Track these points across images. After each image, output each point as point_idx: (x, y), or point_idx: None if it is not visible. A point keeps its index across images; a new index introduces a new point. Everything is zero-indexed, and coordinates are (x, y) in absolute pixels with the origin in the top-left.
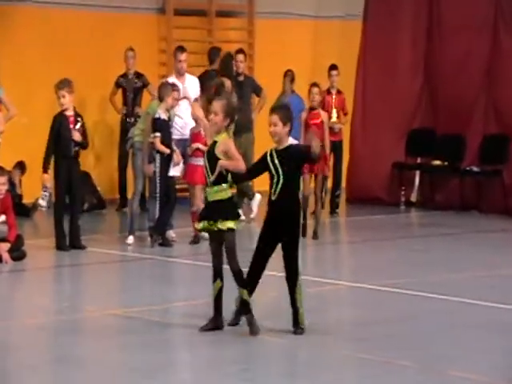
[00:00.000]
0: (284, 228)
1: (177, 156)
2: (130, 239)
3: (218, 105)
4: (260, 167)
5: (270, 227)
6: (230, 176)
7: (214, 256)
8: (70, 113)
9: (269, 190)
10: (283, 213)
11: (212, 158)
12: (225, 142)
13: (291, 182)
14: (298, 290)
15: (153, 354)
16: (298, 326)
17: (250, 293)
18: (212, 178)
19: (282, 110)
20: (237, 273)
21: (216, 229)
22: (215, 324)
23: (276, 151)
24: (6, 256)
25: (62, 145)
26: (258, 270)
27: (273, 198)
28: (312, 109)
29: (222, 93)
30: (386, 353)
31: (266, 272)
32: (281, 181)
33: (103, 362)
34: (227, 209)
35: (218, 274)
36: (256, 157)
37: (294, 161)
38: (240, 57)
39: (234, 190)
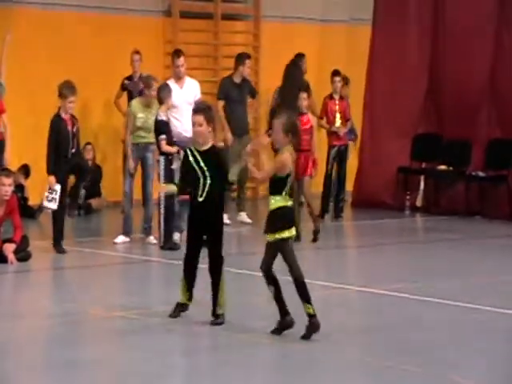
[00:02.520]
0: (210, 227)
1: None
2: (120, 238)
3: (276, 124)
4: (188, 171)
5: (196, 227)
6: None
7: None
8: (64, 115)
9: (193, 191)
10: (210, 213)
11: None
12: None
13: (218, 182)
14: (222, 281)
15: (156, 358)
16: (217, 315)
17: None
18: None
19: (206, 110)
20: (299, 284)
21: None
22: (282, 325)
23: (199, 152)
24: (11, 257)
25: (60, 148)
26: (193, 270)
27: (200, 199)
28: (300, 114)
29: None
30: (390, 357)
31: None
32: (208, 182)
33: (107, 365)
34: (275, 220)
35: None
36: None
37: (217, 161)
38: (248, 62)
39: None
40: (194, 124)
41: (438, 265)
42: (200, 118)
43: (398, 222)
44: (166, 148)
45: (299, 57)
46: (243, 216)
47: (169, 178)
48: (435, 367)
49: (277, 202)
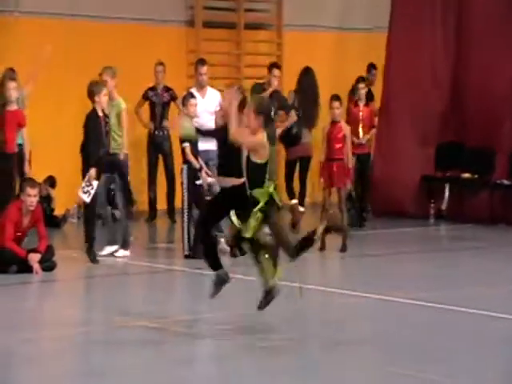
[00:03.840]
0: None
1: (204, 175)
2: (120, 252)
3: (247, 108)
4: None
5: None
6: None
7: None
8: (100, 113)
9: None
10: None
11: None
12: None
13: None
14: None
15: (181, 366)
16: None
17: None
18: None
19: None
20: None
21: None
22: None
23: None
24: (36, 266)
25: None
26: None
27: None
28: (334, 122)
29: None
30: (412, 366)
31: (289, 284)
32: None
33: (132, 374)
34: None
35: None
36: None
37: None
38: (276, 71)
39: None
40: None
41: (461, 273)
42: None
43: (422, 230)
44: (190, 157)
45: (309, 70)
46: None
47: (192, 190)
48: (457, 376)
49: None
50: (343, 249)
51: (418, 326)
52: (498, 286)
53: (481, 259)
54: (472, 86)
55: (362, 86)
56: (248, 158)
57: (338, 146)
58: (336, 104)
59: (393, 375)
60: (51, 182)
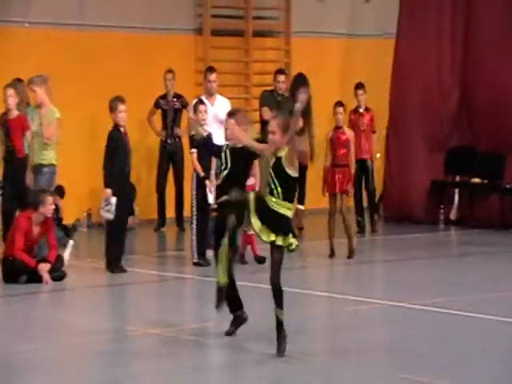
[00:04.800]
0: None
1: (210, 183)
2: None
3: (274, 123)
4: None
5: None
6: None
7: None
8: (122, 129)
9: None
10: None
11: (280, 173)
12: (287, 153)
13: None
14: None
15: (193, 375)
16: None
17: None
18: (279, 192)
19: (238, 113)
20: (277, 291)
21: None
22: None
23: (229, 148)
24: (46, 276)
25: (118, 160)
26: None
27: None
28: (337, 127)
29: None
30: (425, 372)
31: (301, 291)
32: (225, 171)
33: (145, 382)
34: (283, 224)
35: None
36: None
37: (240, 156)
38: (281, 77)
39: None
40: (225, 128)
41: (472, 278)
42: (231, 122)
43: (432, 235)
44: (195, 164)
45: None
46: None
47: (200, 196)
48: (470, 382)
49: (287, 208)
50: (350, 255)
51: (429, 331)
52: (509, 292)
53: (492, 264)
54: (481, 91)
55: (360, 92)
56: (281, 170)
57: (342, 151)
58: (340, 110)
59: (406, 382)
60: (60, 191)
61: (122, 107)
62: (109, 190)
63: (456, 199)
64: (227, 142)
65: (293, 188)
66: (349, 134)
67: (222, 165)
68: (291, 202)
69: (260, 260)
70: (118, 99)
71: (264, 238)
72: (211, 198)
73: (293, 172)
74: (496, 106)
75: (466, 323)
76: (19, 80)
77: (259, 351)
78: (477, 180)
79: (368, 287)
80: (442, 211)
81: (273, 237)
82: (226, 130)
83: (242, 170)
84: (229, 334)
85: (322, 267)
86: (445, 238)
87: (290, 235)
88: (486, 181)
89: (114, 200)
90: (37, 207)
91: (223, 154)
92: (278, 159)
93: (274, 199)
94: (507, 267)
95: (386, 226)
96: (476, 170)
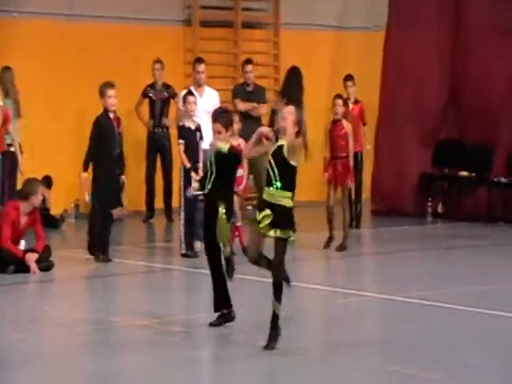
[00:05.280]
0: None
1: (194, 176)
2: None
3: (289, 110)
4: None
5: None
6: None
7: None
8: (112, 115)
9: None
10: (212, 204)
11: (280, 163)
12: (289, 141)
13: (223, 178)
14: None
15: (180, 366)
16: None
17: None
18: (278, 182)
19: (224, 116)
20: (277, 285)
21: (272, 233)
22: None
23: (215, 153)
24: (33, 266)
25: (104, 146)
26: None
27: (205, 191)
28: (336, 121)
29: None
30: (413, 365)
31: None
32: (213, 176)
33: (132, 374)
34: (285, 218)
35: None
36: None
37: (226, 160)
38: (249, 67)
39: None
40: (213, 132)
41: (460, 271)
42: (218, 126)
43: (420, 228)
44: (182, 155)
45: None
46: None
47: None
48: (460, 375)
49: (287, 198)
50: (340, 248)
51: (418, 324)
52: (496, 285)
53: (480, 257)
54: (471, 84)
55: (349, 83)
56: (284, 161)
57: (341, 143)
58: (339, 102)
59: (394, 374)
60: (47, 182)
61: (111, 92)
62: (84, 174)
63: (444, 192)
64: (211, 146)
65: (292, 177)
66: (347, 126)
67: (207, 170)
68: (291, 191)
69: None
70: (108, 84)
71: (264, 230)
72: (194, 192)
73: (293, 161)
74: (485, 99)
75: (454, 316)
76: (7, 68)
77: (248, 344)
78: (464, 173)
79: (358, 280)
80: (429, 204)
81: (273, 231)
82: (213, 132)
83: (229, 174)
84: (212, 325)
85: (312, 260)
86: (433, 230)
87: (290, 228)
88: (473, 174)
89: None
90: (28, 197)
91: (208, 160)
92: (279, 147)
93: (273, 191)
94: (494, 260)
95: (375, 219)
96: (464, 163)
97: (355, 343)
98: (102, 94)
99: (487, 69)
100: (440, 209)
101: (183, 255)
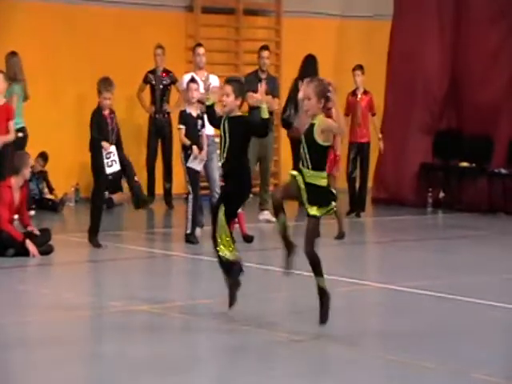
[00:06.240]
0: (229, 187)
1: (195, 149)
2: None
3: (309, 89)
4: (218, 120)
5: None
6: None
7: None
8: (106, 112)
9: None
10: (228, 175)
11: (311, 143)
12: (323, 121)
13: (237, 148)
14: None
15: (176, 351)
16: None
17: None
18: (309, 163)
19: (236, 82)
20: (311, 262)
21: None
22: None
23: (227, 118)
24: (33, 249)
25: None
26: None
27: (220, 162)
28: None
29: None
30: (412, 354)
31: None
32: (227, 144)
33: (125, 359)
34: (322, 195)
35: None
36: (277, 157)
37: (239, 128)
38: (265, 53)
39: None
40: (221, 94)
41: (460, 261)
42: (229, 89)
43: (420, 218)
44: (182, 138)
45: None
46: (267, 215)
47: (191, 169)
48: (458, 365)
49: (319, 178)
50: (339, 236)
51: (417, 313)
52: (496, 275)
53: (480, 248)
54: (471, 74)
55: (358, 73)
56: (314, 142)
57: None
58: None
59: (393, 363)
60: (43, 157)
61: (106, 95)
62: (105, 143)
63: (444, 182)
64: (224, 111)
65: (323, 157)
66: (334, 115)
67: (221, 139)
68: (322, 170)
69: (248, 239)
70: (105, 84)
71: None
72: (196, 165)
73: (322, 141)
74: (485, 90)
75: (454, 306)
76: (13, 53)
77: (247, 329)
78: (465, 164)
79: (357, 269)
80: (430, 194)
81: (309, 208)
82: (223, 96)
83: (243, 141)
84: (231, 304)
85: None
86: (433, 221)
87: (324, 206)
88: (473, 164)
89: (113, 148)
90: (19, 170)
91: (221, 127)
92: (311, 126)
93: (307, 172)
94: (494, 250)
95: (376, 208)
96: (464, 154)
97: (353, 332)
98: (98, 91)
99: (488, 60)
100: (441, 195)
101: (188, 235)
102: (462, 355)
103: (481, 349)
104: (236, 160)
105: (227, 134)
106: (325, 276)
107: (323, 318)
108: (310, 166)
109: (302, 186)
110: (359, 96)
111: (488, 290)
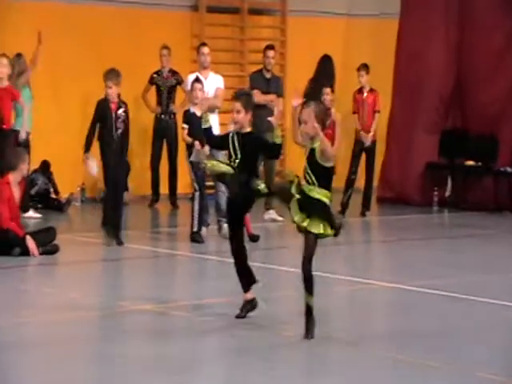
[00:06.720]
0: (239, 205)
1: (197, 144)
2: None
3: (305, 113)
4: (220, 140)
5: (231, 205)
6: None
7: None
8: (113, 100)
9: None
10: (236, 192)
11: (315, 167)
12: (320, 144)
13: (249, 163)
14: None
15: (180, 351)
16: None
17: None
18: (314, 180)
19: (244, 96)
20: (306, 277)
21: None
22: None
23: (237, 134)
24: (32, 246)
25: (104, 129)
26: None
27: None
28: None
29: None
30: (417, 353)
31: (294, 269)
32: (239, 157)
33: (132, 358)
34: (325, 215)
35: None
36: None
37: (252, 146)
38: (271, 53)
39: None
40: (232, 110)
41: (465, 260)
42: (238, 105)
43: (426, 217)
44: (185, 137)
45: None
46: (273, 214)
47: (196, 166)
48: (464, 364)
49: (324, 196)
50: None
51: (424, 312)
52: (502, 274)
53: (486, 247)
54: (477, 73)
55: (363, 73)
56: (318, 165)
57: (328, 131)
58: (327, 90)
59: (399, 363)
60: (46, 166)
61: (107, 83)
62: (85, 155)
63: (449, 181)
64: (235, 128)
65: (328, 177)
66: (335, 116)
67: (230, 156)
68: (327, 189)
69: (254, 238)
70: (110, 74)
71: (296, 218)
72: (198, 158)
73: (325, 162)
74: (491, 89)
75: (460, 305)
76: (19, 55)
77: (253, 331)
78: (470, 163)
79: (362, 267)
80: (435, 193)
81: (306, 223)
82: (234, 113)
83: (256, 158)
84: (240, 317)
85: (316, 247)
86: (439, 219)
87: (327, 225)
88: (479, 163)
89: (92, 161)
90: (17, 166)
91: (230, 143)
92: (312, 150)
93: (311, 187)
94: (500, 249)
95: (381, 207)
96: (470, 153)
97: (359, 331)
98: (104, 81)
99: (493, 59)
100: (448, 193)
101: (194, 233)
102: (469, 354)
103: (487, 348)
104: (247, 173)
105: (238, 150)
106: (328, 276)
107: (307, 333)
108: (316, 184)
109: (297, 195)
110: (365, 94)
111: (494, 289)
